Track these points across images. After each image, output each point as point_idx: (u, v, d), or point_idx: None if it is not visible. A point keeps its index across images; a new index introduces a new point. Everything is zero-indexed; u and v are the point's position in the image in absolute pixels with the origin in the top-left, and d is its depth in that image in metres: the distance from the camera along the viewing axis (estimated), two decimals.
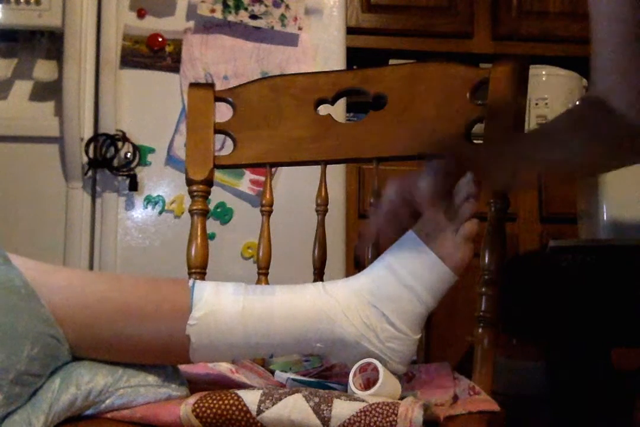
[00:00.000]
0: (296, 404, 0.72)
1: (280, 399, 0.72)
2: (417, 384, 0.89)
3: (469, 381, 0.92)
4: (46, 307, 0.73)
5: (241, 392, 0.74)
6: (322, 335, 0.79)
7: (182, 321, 0.77)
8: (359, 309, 0.79)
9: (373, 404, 0.71)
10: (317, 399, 0.72)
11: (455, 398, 0.85)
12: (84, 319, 0.75)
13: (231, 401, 0.73)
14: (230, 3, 1.92)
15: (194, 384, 0.81)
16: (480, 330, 1.01)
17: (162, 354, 0.78)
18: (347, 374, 0.80)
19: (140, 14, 1.95)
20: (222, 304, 0.78)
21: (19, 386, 0.69)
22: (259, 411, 0.72)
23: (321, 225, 1.15)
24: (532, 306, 1.72)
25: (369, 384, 0.78)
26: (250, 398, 0.73)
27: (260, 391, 0.74)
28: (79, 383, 0.73)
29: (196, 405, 0.73)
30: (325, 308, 0.79)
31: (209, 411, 0.72)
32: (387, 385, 0.78)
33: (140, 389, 0.76)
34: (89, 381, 0.74)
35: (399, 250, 0.84)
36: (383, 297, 0.80)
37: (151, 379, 0.77)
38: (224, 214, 1.94)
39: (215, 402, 0.73)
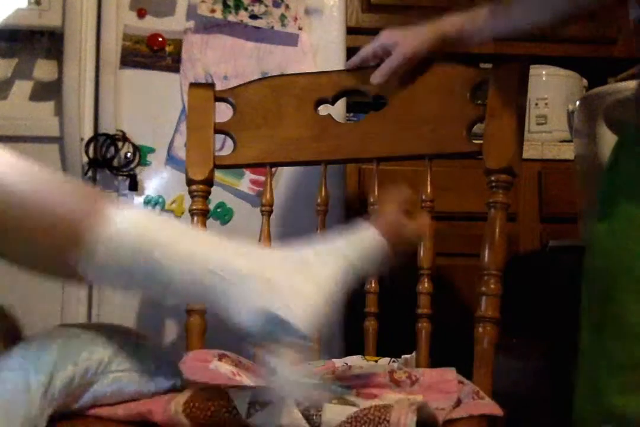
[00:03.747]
0: (286, 408, 0.71)
1: (271, 402, 0.72)
2: (420, 388, 0.89)
3: (474, 386, 0.91)
4: None
5: (232, 393, 0.74)
6: (217, 266, 0.74)
7: (87, 228, 0.73)
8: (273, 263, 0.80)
9: (364, 409, 0.71)
10: (307, 404, 0.72)
11: (459, 403, 0.85)
12: None
13: (221, 402, 0.73)
14: (230, 3, 1.92)
15: (188, 379, 0.81)
16: (480, 330, 1.01)
17: (52, 254, 0.75)
18: (347, 377, 0.79)
19: (140, 14, 1.95)
20: (136, 228, 0.75)
21: None
22: (249, 414, 0.72)
23: (321, 225, 1.15)
24: (532, 306, 1.72)
25: None
26: (241, 400, 0.73)
27: (251, 393, 0.74)
28: (76, 360, 0.74)
29: (186, 405, 0.73)
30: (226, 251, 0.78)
31: (198, 412, 0.73)
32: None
33: (133, 374, 0.76)
34: (87, 358, 0.74)
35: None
36: (302, 262, 0.82)
37: (145, 365, 0.77)
38: (224, 214, 1.93)
39: (205, 403, 0.73)
